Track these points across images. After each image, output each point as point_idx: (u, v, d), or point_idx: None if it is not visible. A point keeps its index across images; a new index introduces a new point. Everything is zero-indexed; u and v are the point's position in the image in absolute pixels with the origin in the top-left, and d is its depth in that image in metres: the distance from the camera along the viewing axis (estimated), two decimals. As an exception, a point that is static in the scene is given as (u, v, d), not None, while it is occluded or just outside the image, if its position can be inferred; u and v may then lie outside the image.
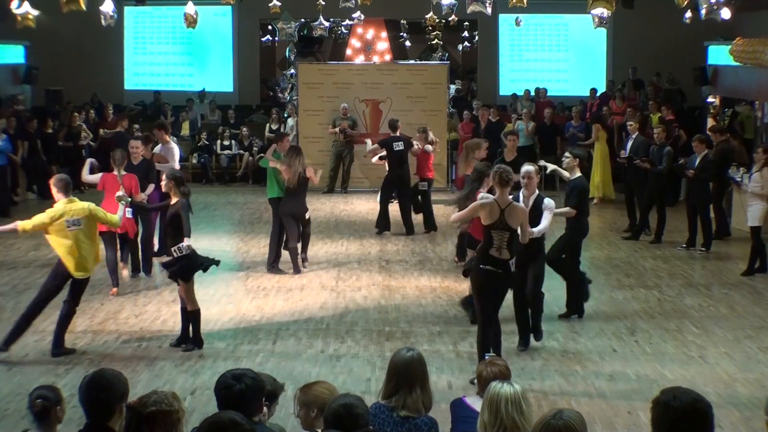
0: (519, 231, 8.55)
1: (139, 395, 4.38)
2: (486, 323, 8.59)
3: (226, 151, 21.85)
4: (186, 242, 9.47)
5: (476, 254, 8.72)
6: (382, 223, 15.73)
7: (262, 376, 4.78)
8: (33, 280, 12.34)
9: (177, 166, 13.69)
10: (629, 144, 15.78)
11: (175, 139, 19.81)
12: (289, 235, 12.85)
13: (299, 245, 13.07)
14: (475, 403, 5.41)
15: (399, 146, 15.66)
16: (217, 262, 9.93)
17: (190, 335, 9.63)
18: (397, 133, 15.87)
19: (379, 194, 16.11)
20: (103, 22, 12.53)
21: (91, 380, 4.49)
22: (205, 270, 9.75)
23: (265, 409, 4.76)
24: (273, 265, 12.90)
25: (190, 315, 9.62)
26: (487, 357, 5.73)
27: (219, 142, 21.96)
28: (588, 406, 7.99)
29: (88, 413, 4.45)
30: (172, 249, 9.51)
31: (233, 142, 21.94)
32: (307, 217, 12.99)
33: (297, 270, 12.80)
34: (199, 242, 14.78)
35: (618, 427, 7.66)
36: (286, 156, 12.67)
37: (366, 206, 18.57)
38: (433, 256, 14.11)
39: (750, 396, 8.28)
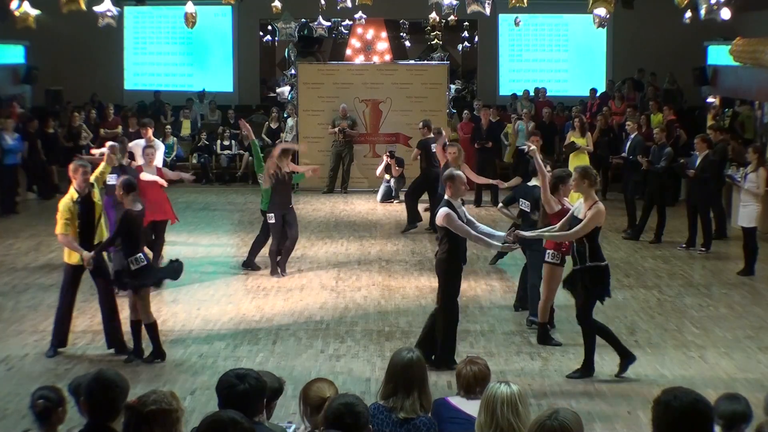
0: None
1: (139, 395, 4.38)
2: None
3: (226, 151, 21.84)
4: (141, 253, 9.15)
5: (596, 257, 8.66)
6: (412, 218, 15.83)
7: (264, 374, 4.78)
8: (33, 280, 12.36)
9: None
10: (627, 144, 15.83)
11: (174, 138, 19.97)
12: (274, 237, 12.86)
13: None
14: (460, 403, 5.43)
15: (435, 148, 15.74)
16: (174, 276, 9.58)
17: (135, 347, 9.27)
18: (431, 134, 15.92)
19: (406, 194, 16.17)
20: (100, 22, 12.53)
21: (95, 380, 4.46)
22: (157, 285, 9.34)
23: (265, 411, 4.76)
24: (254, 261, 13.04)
25: (147, 328, 9.27)
26: (468, 357, 5.77)
27: (219, 142, 21.95)
28: (588, 406, 8.00)
29: (92, 413, 4.44)
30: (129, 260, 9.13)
31: (233, 142, 21.92)
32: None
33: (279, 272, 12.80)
34: (200, 242, 14.88)
35: (618, 427, 7.66)
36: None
37: (366, 206, 18.57)
38: (432, 256, 14.05)
39: (749, 396, 8.24)
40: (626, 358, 8.79)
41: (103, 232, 9.58)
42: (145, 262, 9.16)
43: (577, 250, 8.67)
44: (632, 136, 15.91)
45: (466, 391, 5.46)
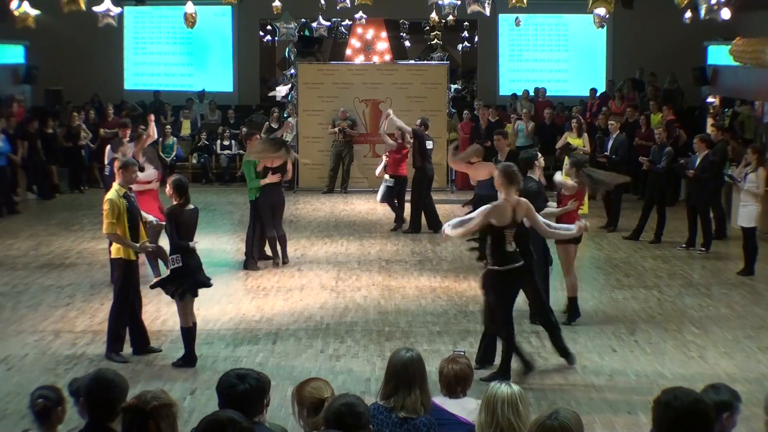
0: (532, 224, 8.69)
1: (133, 396, 4.37)
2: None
3: (226, 151, 21.86)
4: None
5: (490, 258, 8.53)
6: (415, 224, 15.78)
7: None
8: (33, 280, 12.36)
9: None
10: (610, 143, 15.89)
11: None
12: (266, 225, 12.99)
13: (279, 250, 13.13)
14: (444, 402, 5.43)
15: (430, 145, 15.75)
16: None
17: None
18: (427, 132, 16.00)
19: (411, 198, 15.96)
20: (100, 22, 12.53)
21: (94, 380, 4.46)
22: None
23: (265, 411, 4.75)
24: (252, 261, 13.05)
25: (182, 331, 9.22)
26: (456, 352, 5.77)
27: (219, 142, 21.97)
28: (588, 406, 8.00)
29: (91, 413, 4.43)
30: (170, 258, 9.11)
31: (233, 142, 21.93)
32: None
33: (280, 259, 13.05)
34: (200, 242, 14.82)
35: (618, 427, 7.66)
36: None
37: (366, 206, 18.57)
38: (432, 256, 14.10)
39: (749, 395, 8.23)
40: (505, 373, 8.41)
41: (144, 233, 9.61)
42: (181, 263, 9.03)
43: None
44: (614, 135, 15.98)
45: (447, 390, 5.48)
